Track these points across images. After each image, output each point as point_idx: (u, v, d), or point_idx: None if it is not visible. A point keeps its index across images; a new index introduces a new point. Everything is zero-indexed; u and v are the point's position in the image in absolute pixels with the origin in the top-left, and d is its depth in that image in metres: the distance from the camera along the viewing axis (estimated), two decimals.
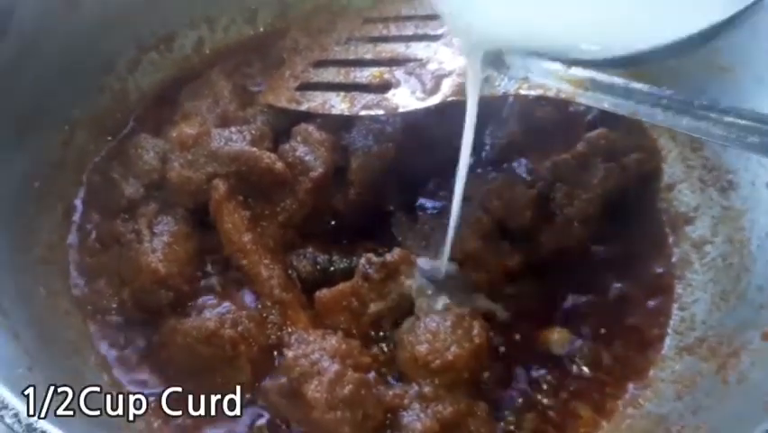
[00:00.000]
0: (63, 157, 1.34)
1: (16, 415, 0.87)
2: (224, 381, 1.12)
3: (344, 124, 1.32)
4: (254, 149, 1.24)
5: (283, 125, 1.33)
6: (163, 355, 1.15)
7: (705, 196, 1.30)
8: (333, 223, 1.30)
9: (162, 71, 1.50)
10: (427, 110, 1.22)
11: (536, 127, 1.40)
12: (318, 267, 1.25)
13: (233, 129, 1.28)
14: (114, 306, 1.21)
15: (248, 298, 1.20)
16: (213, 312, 1.14)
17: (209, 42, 1.54)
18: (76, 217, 1.31)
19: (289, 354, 1.08)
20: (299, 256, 1.25)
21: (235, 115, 1.35)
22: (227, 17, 1.54)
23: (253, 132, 1.28)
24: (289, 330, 1.16)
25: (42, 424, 0.86)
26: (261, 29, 1.57)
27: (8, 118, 1.23)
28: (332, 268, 1.25)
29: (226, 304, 1.16)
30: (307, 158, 1.26)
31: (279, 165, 1.23)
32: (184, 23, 1.51)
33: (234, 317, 1.13)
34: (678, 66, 1.32)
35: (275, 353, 1.15)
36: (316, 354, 1.07)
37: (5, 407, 0.87)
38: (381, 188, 1.32)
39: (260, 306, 1.19)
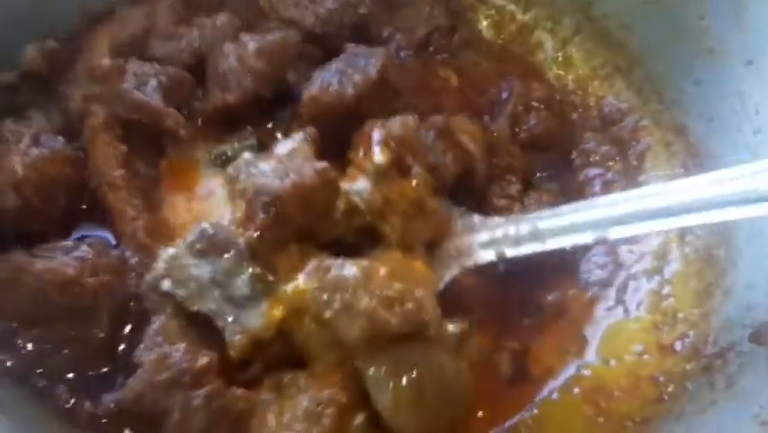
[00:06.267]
0: None
1: None
2: (77, 334, 1.01)
3: None
4: (161, 106, 1.14)
5: None
6: (3, 294, 1.01)
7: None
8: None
9: None
10: None
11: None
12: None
13: (150, 70, 1.17)
14: None
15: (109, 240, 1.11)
16: (70, 256, 1.02)
17: None
18: None
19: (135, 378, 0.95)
20: None
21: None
22: None
23: (172, 75, 1.18)
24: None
25: None
26: None
27: None
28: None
29: (84, 248, 1.04)
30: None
31: (183, 133, 1.15)
32: None
33: (95, 263, 1.02)
34: (665, 46, 1.27)
35: (132, 304, 1.04)
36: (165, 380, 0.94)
37: None
38: None
39: (122, 251, 1.08)
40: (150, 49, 1.24)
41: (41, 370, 1.00)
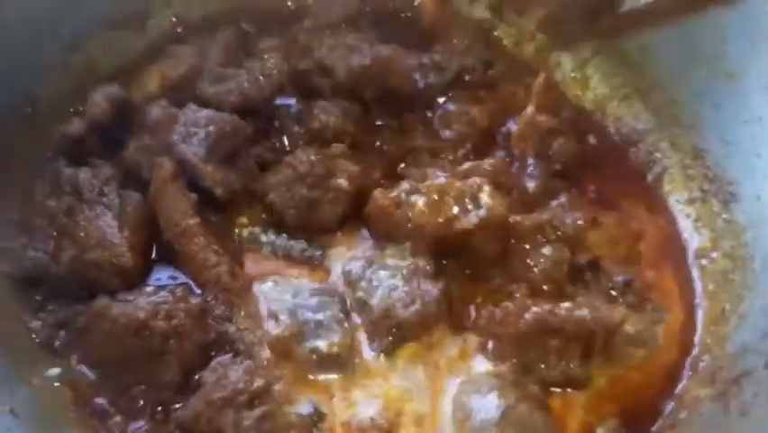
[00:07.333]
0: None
1: None
2: (146, 377, 1.02)
3: None
4: (201, 163, 1.13)
5: None
6: (87, 339, 1.05)
7: (705, 207, 1.24)
8: None
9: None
10: None
11: None
12: None
13: (202, 118, 1.15)
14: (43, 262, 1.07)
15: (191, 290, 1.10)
16: (146, 300, 1.03)
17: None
18: None
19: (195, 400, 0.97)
20: None
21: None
22: None
23: (224, 124, 1.16)
24: (237, 325, 1.07)
25: None
26: None
27: None
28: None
29: (164, 294, 1.05)
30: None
31: (220, 192, 1.14)
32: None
33: (170, 309, 1.03)
34: (684, 69, 1.27)
35: (213, 353, 1.05)
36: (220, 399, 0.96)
37: None
38: None
39: (204, 298, 1.08)
40: (199, 89, 1.23)
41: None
